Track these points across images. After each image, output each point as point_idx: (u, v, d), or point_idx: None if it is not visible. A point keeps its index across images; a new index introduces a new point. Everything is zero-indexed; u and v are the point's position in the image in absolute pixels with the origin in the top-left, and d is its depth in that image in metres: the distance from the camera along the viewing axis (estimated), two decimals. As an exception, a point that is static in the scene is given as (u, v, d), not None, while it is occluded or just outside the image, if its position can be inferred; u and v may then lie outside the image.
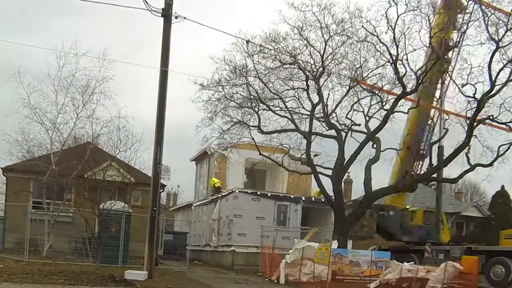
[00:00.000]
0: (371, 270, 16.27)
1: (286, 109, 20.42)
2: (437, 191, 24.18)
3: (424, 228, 22.47)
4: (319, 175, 20.24)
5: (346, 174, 25.66)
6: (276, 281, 16.76)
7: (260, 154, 21.68)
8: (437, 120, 21.88)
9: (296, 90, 20.46)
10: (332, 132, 20.20)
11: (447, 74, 20.07)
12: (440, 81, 20.88)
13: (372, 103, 19.65)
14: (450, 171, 22.12)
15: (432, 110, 21.76)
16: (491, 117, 18.31)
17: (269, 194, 24.32)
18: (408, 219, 22.78)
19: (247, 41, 18.63)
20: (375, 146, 19.55)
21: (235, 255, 22.66)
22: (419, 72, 18.35)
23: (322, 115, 20.01)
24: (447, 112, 21.64)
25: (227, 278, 17.37)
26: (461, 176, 19.87)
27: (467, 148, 18.89)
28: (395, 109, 19.21)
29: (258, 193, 24.09)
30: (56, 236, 20.05)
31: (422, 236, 22.03)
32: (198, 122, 20.77)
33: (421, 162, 21.90)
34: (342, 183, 22.25)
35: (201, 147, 23.53)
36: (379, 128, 19.13)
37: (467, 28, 18.66)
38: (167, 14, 13.94)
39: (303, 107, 20.52)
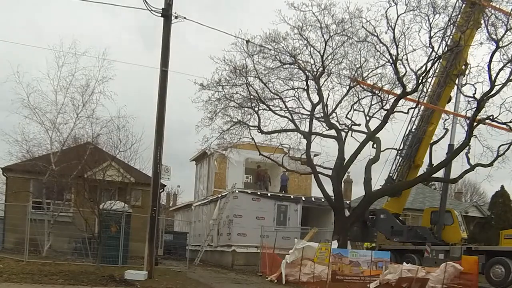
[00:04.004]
0: (371, 270, 16.27)
1: (286, 109, 20.42)
2: (442, 190, 24.23)
3: (416, 230, 22.53)
4: (319, 175, 20.25)
5: (346, 174, 25.69)
6: (276, 281, 16.76)
7: (260, 154, 21.69)
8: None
9: (296, 90, 20.47)
10: (332, 132, 20.22)
11: (464, 76, 20.23)
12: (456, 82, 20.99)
13: (372, 103, 19.68)
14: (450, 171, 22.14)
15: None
16: (491, 117, 18.33)
17: (269, 194, 24.32)
18: (397, 222, 22.99)
19: (247, 41, 18.63)
20: (375, 146, 19.56)
21: (235, 255, 22.65)
22: (419, 72, 18.36)
23: (322, 115, 20.02)
24: (447, 112, 21.68)
25: (227, 278, 17.36)
26: (461, 176, 19.88)
27: (467, 148, 18.92)
28: (395, 109, 19.22)
29: (258, 193, 24.09)
30: (56, 236, 20.05)
31: (414, 237, 22.05)
32: (198, 122, 20.79)
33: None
34: (342, 183, 22.26)
35: (201, 147, 23.52)
36: (379, 128, 19.14)
37: (467, 28, 18.71)
38: (167, 14, 13.94)
39: (303, 107, 20.54)
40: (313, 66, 19.39)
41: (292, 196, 24.60)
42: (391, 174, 22.43)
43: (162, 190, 22.99)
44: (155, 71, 14.17)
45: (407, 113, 20.04)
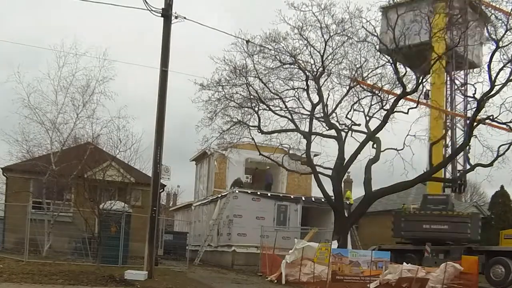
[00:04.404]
0: (371, 270, 16.27)
1: (286, 109, 20.42)
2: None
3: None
4: (319, 175, 20.25)
5: (346, 174, 25.70)
6: (276, 281, 16.76)
7: (260, 154, 21.69)
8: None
9: (296, 90, 20.47)
10: (332, 132, 20.22)
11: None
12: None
13: (372, 103, 19.70)
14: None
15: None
16: (491, 117, 18.33)
17: (269, 194, 24.29)
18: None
19: (247, 41, 18.65)
20: (375, 146, 19.56)
21: (235, 255, 22.63)
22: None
23: (322, 115, 20.02)
24: (447, 112, 21.69)
25: (227, 278, 17.36)
26: (461, 176, 19.88)
27: (467, 148, 18.92)
28: (395, 109, 19.23)
29: (258, 193, 24.05)
30: (56, 236, 20.03)
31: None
32: (198, 122, 20.79)
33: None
34: (342, 183, 22.25)
35: (201, 147, 23.53)
36: (379, 128, 19.15)
37: (467, 28, 18.71)
38: (167, 14, 13.94)
39: (303, 107, 20.54)
40: (313, 66, 19.41)
41: (292, 196, 24.59)
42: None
43: (162, 190, 22.99)
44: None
45: (407, 113, 20.05)
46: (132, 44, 77.96)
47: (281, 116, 20.49)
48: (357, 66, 19.10)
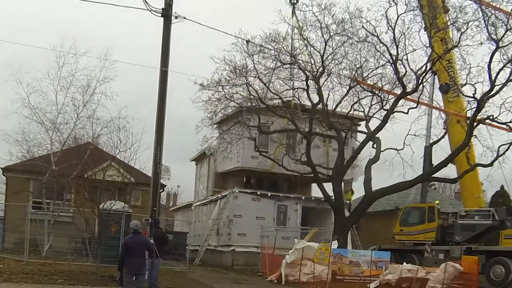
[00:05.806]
0: (371, 270, 16.27)
1: (286, 109, 20.41)
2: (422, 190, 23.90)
3: None
4: (319, 175, 20.23)
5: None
6: (276, 281, 16.76)
7: (260, 154, 21.65)
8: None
9: (296, 90, 20.45)
10: (332, 132, 20.20)
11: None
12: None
13: (372, 103, 19.70)
14: (450, 171, 22.14)
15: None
16: (491, 117, 18.33)
17: (269, 194, 24.25)
18: None
19: (247, 41, 18.66)
20: (375, 146, 19.55)
21: (235, 255, 22.61)
22: (419, 72, 18.37)
23: (322, 115, 20.02)
24: (447, 112, 21.66)
25: (227, 278, 17.38)
26: (461, 176, 19.87)
27: (467, 148, 18.91)
28: (395, 109, 19.23)
29: (258, 193, 24.01)
30: (56, 236, 20.04)
31: None
32: (198, 122, 20.76)
33: None
34: (342, 183, 22.25)
35: (201, 147, 23.50)
36: (379, 128, 19.15)
37: (467, 28, 18.72)
38: (167, 14, 13.97)
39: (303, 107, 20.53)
40: (313, 66, 19.40)
41: (292, 196, 24.58)
42: None
43: (162, 190, 22.97)
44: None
45: (407, 113, 20.06)
46: (132, 44, 77.93)
47: (281, 116, 20.48)
48: (357, 66, 19.12)
